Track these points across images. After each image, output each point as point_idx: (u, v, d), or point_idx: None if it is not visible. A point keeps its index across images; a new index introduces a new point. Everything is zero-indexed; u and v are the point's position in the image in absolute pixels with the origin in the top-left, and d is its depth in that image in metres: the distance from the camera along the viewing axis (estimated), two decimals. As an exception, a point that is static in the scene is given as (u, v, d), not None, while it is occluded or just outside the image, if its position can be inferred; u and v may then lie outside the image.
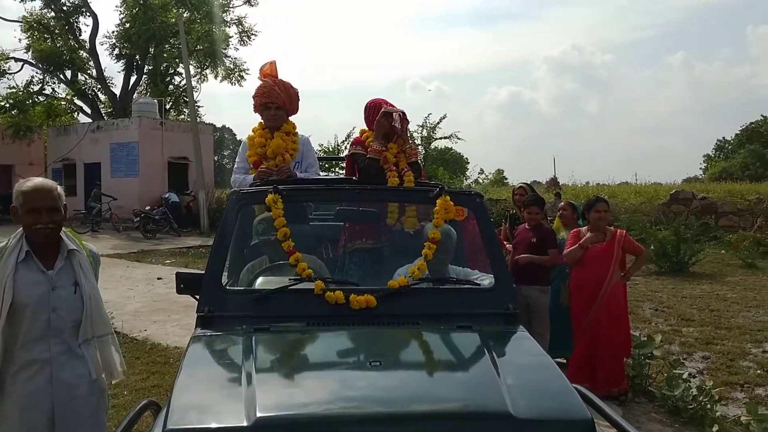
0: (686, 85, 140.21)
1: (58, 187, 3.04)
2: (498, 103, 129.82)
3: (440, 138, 29.00)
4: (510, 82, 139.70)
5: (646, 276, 13.10)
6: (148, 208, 23.17)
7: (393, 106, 4.11)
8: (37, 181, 3.01)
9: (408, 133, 4.32)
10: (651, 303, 10.39)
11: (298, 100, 4.61)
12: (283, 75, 4.56)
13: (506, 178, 43.06)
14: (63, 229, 3.09)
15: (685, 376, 5.56)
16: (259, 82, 4.55)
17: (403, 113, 4.03)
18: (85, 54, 32.10)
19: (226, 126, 75.90)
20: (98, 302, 3.09)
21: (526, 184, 7.30)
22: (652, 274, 13.36)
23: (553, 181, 31.22)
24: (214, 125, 35.45)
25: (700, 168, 49.72)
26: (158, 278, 12.85)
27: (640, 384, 5.85)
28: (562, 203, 7.30)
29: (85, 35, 32.22)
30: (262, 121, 4.55)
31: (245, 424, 2.08)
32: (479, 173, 39.67)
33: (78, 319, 3.00)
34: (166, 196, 24.17)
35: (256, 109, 4.54)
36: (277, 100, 4.42)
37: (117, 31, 31.55)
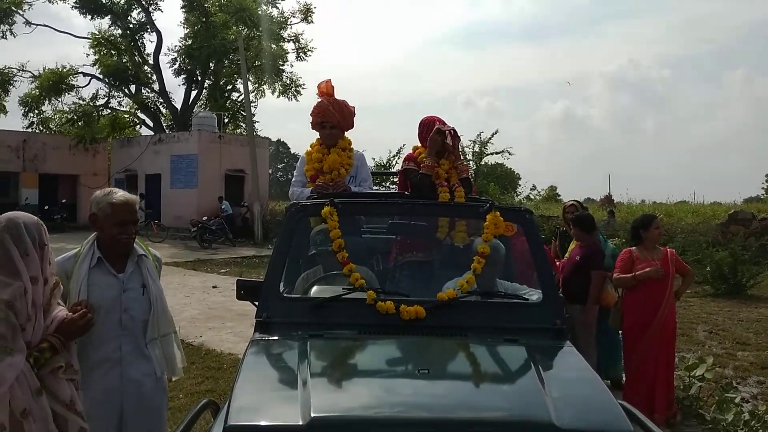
0: (747, 102, 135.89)
1: (140, 200, 3.28)
2: (551, 118, 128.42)
3: (491, 153, 28.92)
4: (564, 97, 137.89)
5: (702, 297, 12.78)
6: (205, 218, 23.71)
7: (445, 123, 4.21)
8: (124, 194, 3.24)
9: (459, 150, 4.41)
10: (705, 325, 10.15)
11: (353, 117, 4.75)
12: (338, 92, 4.71)
13: (559, 195, 42.50)
14: None
15: (737, 401, 5.44)
16: (316, 99, 4.71)
17: (454, 130, 4.12)
18: (148, 69, 33.27)
19: (282, 140, 77.22)
20: (164, 303, 3.30)
21: (577, 201, 7.28)
22: (707, 296, 13.02)
23: (607, 199, 30.68)
24: (270, 139, 36.07)
25: (762, 188, 47.97)
26: (213, 287, 13.19)
27: (689, 407, 5.76)
28: (569, 203, 7.16)
29: (149, 50, 33.52)
30: (319, 137, 4.71)
31: (300, 423, 2.20)
32: (531, 189, 39.26)
33: (146, 319, 3.20)
34: (223, 206, 24.74)
35: (314, 126, 4.69)
36: (332, 119, 4.57)
37: (179, 46, 32.68)
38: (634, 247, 5.82)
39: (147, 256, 3.30)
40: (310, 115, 4.68)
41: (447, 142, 4.06)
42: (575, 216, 6.26)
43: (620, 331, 5.92)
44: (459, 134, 4.18)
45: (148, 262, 3.28)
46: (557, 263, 6.21)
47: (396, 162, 26.82)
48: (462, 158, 4.35)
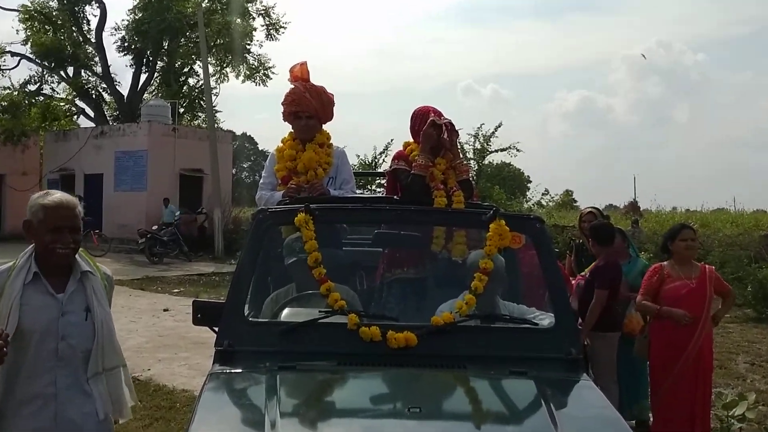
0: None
1: (80, 204, 3.24)
2: (567, 110, 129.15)
3: (496, 151, 29.08)
4: (582, 85, 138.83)
5: (742, 323, 12.87)
6: (155, 227, 23.52)
7: (442, 115, 4.24)
8: (60, 196, 3.19)
9: (458, 146, 4.44)
10: (746, 355, 10.22)
11: (333, 106, 4.78)
12: (316, 77, 4.73)
13: (575, 201, 42.80)
14: None
15: (784, 444, 5.48)
16: (288, 85, 4.73)
17: (451, 123, 4.15)
18: (89, 48, 33.08)
19: (248, 134, 77.25)
20: (111, 331, 3.24)
21: (596, 208, 7.30)
22: (749, 321, 13.11)
23: (632, 206, 30.86)
24: (234, 132, 36.03)
25: (815, 192, 48.39)
26: (165, 309, 13.13)
27: (728, 449, 5.79)
28: (586, 210, 7.13)
29: (91, 26, 33.37)
30: (292, 131, 4.73)
31: (268, 473, 2.20)
32: (543, 194, 39.40)
33: (88, 349, 3.14)
34: (168, 211, 24.27)
35: (286, 117, 4.71)
36: (308, 108, 4.59)
37: (127, 21, 32.46)
38: (666, 262, 5.82)
39: (94, 273, 3.24)
40: (282, 104, 4.69)
41: (444, 136, 4.08)
42: (591, 225, 6.28)
43: (647, 362, 5.93)
44: (457, 128, 4.21)
45: (94, 281, 3.22)
46: (572, 281, 6.22)
47: (384, 160, 26.86)
48: (461, 156, 4.38)
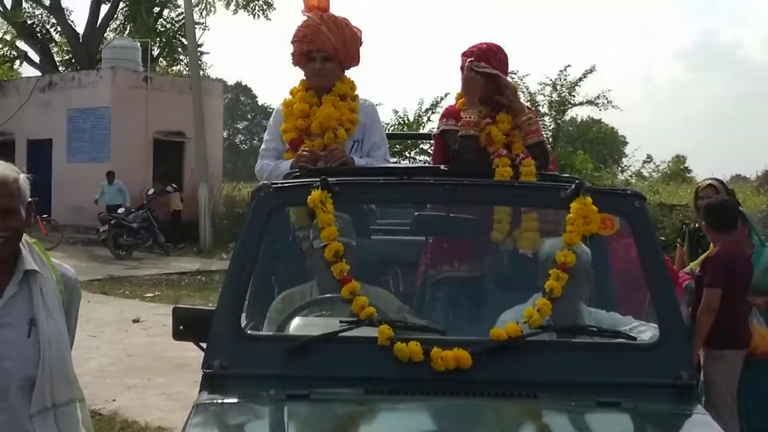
0: None
1: (21, 175, 3.16)
2: (679, 47, 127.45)
3: (581, 103, 28.70)
4: (700, 13, 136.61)
5: None
6: (121, 210, 23.56)
7: (497, 52, 4.28)
8: None
9: (524, 99, 4.45)
10: None
11: (360, 44, 4.80)
12: (338, 7, 4.74)
13: (690, 171, 42.34)
14: (25, 239, 3.21)
15: None
16: (300, 18, 4.74)
17: (502, 56, 4.25)
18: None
19: (243, 83, 77.27)
20: (62, 352, 3.19)
21: (718, 180, 7.24)
22: None
23: None
24: (225, 82, 36.07)
25: None
26: (135, 320, 13.24)
27: None
28: (704, 183, 7.08)
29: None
30: (304, 78, 4.76)
31: None
32: (645, 161, 39.13)
33: (31, 376, 3.11)
34: (105, 189, 23.64)
35: (296, 60, 4.74)
36: (325, 46, 4.60)
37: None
38: None
39: (45, 274, 3.21)
40: (291, 41, 4.71)
41: (502, 81, 4.09)
42: (706, 204, 6.24)
43: None
44: (510, 70, 4.22)
45: (44, 283, 3.19)
46: (682, 281, 6.17)
47: (431, 119, 26.53)
48: (529, 111, 4.39)
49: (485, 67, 4.17)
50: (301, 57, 4.70)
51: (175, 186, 25.67)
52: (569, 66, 27.72)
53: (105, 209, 23.14)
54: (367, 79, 4.70)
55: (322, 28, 4.60)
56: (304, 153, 4.45)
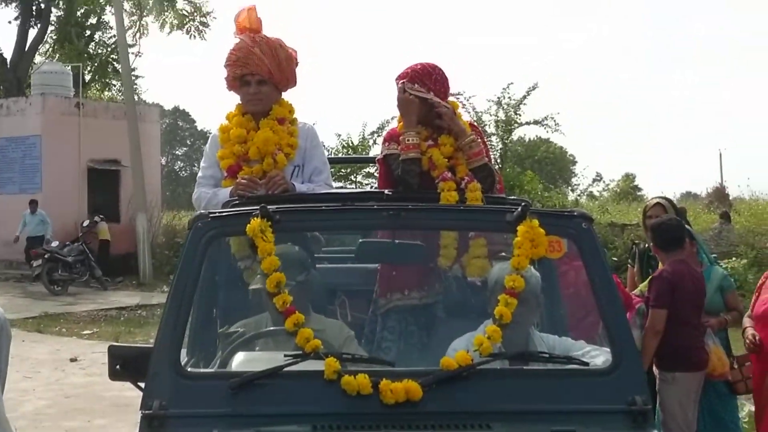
0: None
1: None
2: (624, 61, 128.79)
3: (527, 123, 28.88)
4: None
5: None
6: (56, 244, 23.23)
7: (432, 72, 4.25)
8: None
9: (468, 118, 4.44)
10: None
11: (296, 65, 4.76)
12: (271, 28, 4.70)
13: (639, 189, 43.12)
14: None
15: None
16: (233, 39, 4.70)
17: (439, 78, 4.23)
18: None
19: (181, 108, 76.95)
20: None
21: (665, 198, 7.28)
22: None
23: (718, 193, 30.97)
24: (162, 107, 35.87)
25: None
26: (72, 359, 13.06)
27: None
28: (653, 202, 7.02)
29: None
30: (240, 102, 4.69)
31: None
32: (594, 180, 39.69)
33: None
34: (36, 222, 22.92)
35: (230, 84, 4.70)
36: (260, 69, 4.56)
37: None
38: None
39: None
40: (225, 66, 4.67)
41: (435, 104, 4.06)
42: (652, 224, 6.27)
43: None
44: (456, 91, 4.20)
45: None
46: (635, 303, 6.17)
47: (376, 142, 26.58)
48: (476, 131, 4.37)
49: (418, 90, 4.16)
50: (235, 81, 4.65)
51: (101, 216, 25.06)
52: (512, 83, 27.93)
53: (26, 241, 22.60)
54: (307, 101, 4.68)
55: (255, 51, 4.56)
56: (242, 181, 4.38)
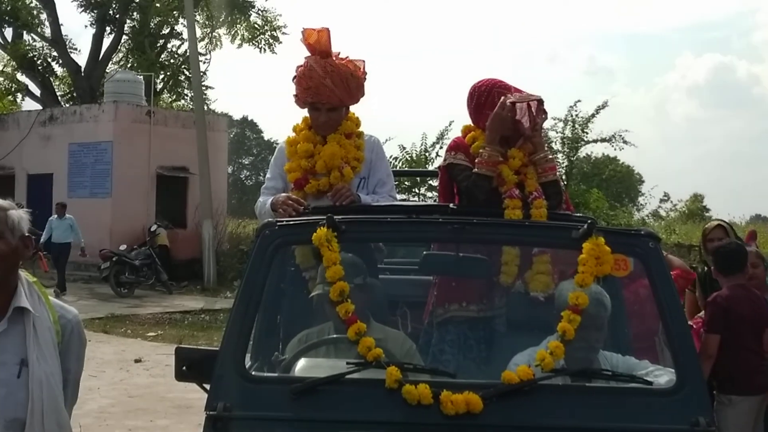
0: None
1: (14, 210, 3.14)
2: (693, 82, 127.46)
3: (595, 141, 28.75)
4: (714, 47, 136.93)
5: None
6: (124, 247, 23.47)
7: (518, 90, 4.24)
8: None
9: (542, 134, 4.44)
10: None
11: (365, 79, 4.75)
12: (341, 43, 4.71)
13: (708, 210, 42.32)
14: (25, 277, 3.20)
15: None
16: (303, 52, 4.70)
17: (540, 101, 4.16)
18: (35, 2, 33.49)
19: (249, 118, 77.60)
20: (54, 396, 3.16)
21: (725, 222, 7.21)
22: None
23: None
24: (231, 117, 36.09)
25: None
26: (137, 360, 13.21)
27: None
28: (713, 225, 7.01)
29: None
30: (307, 115, 4.75)
31: None
32: (661, 200, 39.10)
33: (19, 418, 3.07)
34: (64, 227, 21.95)
35: (300, 104, 4.73)
36: (330, 99, 4.58)
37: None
38: None
39: (38, 314, 3.17)
40: (295, 84, 4.68)
41: (521, 120, 4.07)
42: (715, 247, 6.23)
43: None
44: (544, 107, 4.20)
45: (38, 322, 3.15)
46: (694, 326, 6.12)
47: (438, 154, 26.53)
48: (546, 149, 4.38)
49: (530, 97, 4.14)
50: (304, 105, 4.69)
51: (158, 223, 25.32)
52: (579, 101, 27.85)
53: (47, 248, 21.53)
54: (368, 111, 4.63)
55: (326, 82, 4.53)
56: (288, 201, 4.34)
